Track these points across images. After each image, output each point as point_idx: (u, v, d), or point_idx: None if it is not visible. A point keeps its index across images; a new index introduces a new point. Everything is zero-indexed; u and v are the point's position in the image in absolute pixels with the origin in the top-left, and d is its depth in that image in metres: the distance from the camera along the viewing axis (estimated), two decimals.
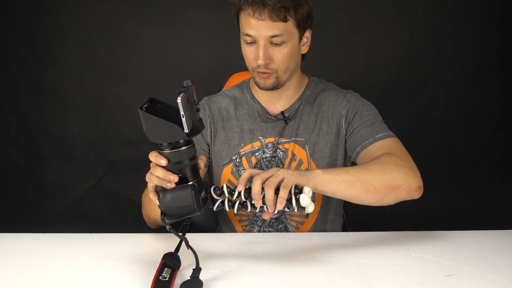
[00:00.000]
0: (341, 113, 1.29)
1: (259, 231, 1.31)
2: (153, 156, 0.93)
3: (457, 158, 2.60)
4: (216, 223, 1.44)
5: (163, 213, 0.93)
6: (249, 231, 1.32)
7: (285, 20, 1.14)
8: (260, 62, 1.17)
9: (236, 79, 1.49)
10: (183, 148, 0.90)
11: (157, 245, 1.13)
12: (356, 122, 1.26)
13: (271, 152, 1.29)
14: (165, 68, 2.56)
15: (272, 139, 1.29)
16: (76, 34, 2.58)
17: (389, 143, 1.20)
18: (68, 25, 2.58)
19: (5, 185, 2.71)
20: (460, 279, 0.93)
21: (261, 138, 1.30)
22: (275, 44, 1.17)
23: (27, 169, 2.71)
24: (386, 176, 1.07)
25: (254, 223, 1.31)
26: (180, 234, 0.97)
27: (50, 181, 2.70)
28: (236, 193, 0.95)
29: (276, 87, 1.23)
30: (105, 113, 2.64)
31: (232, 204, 0.95)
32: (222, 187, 0.96)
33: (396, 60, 2.54)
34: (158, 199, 0.93)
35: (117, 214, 2.63)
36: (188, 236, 0.98)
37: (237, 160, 1.30)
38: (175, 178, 0.91)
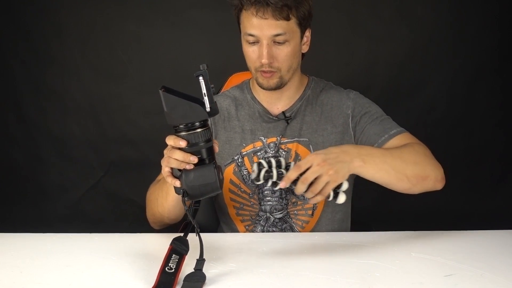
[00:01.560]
0: (347, 113, 1.29)
1: (262, 231, 1.31)
2: (171, 139, 0.94)
3: (457, 158, 2.59)
4: (217, 223, 1.44)
5: (185, 194, 0.95)
6: (252, 231, 1.32)
7: (287, 18, 1.16)
8: (264, 61, 1.17)
9: (236, 79, 1.49)
10: (200, 129, 0.92)
11: (158, 245, 1.13)
12: (365, 121, 1.28)
13: (274, 152, 1.29)
14: (165, 68, 2.56)
15: (274, 139, 1.30)
16: (76, 34, 2.58)
17: (408, 136, 1.24)
18: (68, 25, 2.58)
19: (5, 185, 2.71)
20: (460, 279, 0.93)
21: (263, 138, 1.30)
22: (278, 43, 1.18)
23: (27, 169, 2.71)
24: (418, 167, 1.13)
25: (257, 223, 1.31)
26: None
27: (50, 181, 2.70)
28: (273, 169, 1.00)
29: (279, 86, 1.24)
30: (105, 113, 2.64)
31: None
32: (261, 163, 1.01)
33: (396, 60, 2.54)
34: (180, 180, 0.95)
35: (117, 214, 2.63)
36: (189, 236, 0.98)
37: (239, 160, 1.30)
38: (194, 159, 0.93)
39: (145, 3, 2.54)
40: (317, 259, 1.04)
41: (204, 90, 0.90)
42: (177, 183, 0.96)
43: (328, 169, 0.98)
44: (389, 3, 2.51)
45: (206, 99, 0.90)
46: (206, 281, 0.92)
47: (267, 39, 1.17)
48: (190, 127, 0.92)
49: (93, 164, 2.67)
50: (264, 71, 1.21)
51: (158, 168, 1.02)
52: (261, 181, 1.00)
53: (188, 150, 0.93)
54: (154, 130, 2.50)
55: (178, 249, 0.98)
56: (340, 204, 1.33)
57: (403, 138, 1.23)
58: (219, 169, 0.97)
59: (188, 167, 0.93)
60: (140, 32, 2.56)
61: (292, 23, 1.18)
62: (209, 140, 0.94)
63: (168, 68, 2.55)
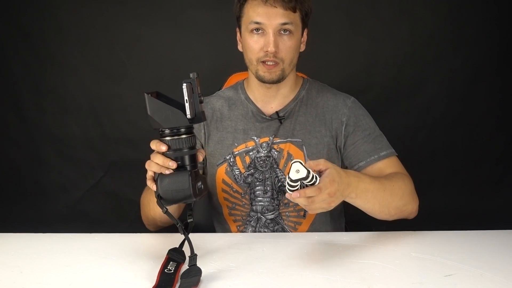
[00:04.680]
0: (342, 120, 1.29)
1: (253, 232, 1.31)
2: (154, 144, 0.96)
3: (457, 158, 2.59)
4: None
5: (159, 197, 0.95)
6: (243, 231, 1.32)
7: (294, 10, 1.19)
8: (271, 49, 1.19)
9: (236, 79, 1.50)
10: (184, 136, 0.94)
11: (158, 245, 1.13)
12: (357, 135, 1.28)
13: (266, 151, 1.29)
14: (165, 68, 2.56)
15: (266, 139, 1.30)
16: (76, 34, 2.58)
17: (395, 163, 1.27)
18: (68, 25, 2.57)
19: (5, 185, 2.70)
20: (460, 279, 0.93)
21: (255, 138, 1.30)
22: (283, 33, 1.20)
23: (27, 169, 2.71)
24: (401, 202, 1.17)
25: (248, 223, 1.31)
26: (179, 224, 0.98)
27: (50, 181, 2.70)
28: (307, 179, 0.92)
29: (280, 80, 1.25)
30: (105, 113, 2.64)
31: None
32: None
33: (396, 60, 2.54)
34: (156, 184, 0.96)
35: (117, 214, 2.63)
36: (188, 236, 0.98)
37: (231, 160, 1.30)
38: (173, 164, 0.94)
39: (145, 3, 2.53)
40: (317, 259, 1.04)
41: (186, 97, 0.92)
42: (155, 187, 0.97)
43: (331, 202, 0.98)
44: (389, 3, 2.50)
45: (187, 105, 0.92)
46: (206, 281, 0.92)
47: (273, 28, 1.18)
48: (175, 133, 0.94)
49: (93, 164, 2.67)
50: (267, 63, 1.21)
51: None
52: (296, 185, 0.92)
53: (170, 155, 0.95)
54: (154, 130, 2.49)
55: (175, 258, 1.00)
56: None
57: (390, 163, 1.26)
58: (199, 178, 0.97)
59: (167, 172, 0.94)
60: (140, 32, 2.56)
61: (297, 16, 1.21)
62: (192, 148, 0.95)
63: (168, 68, 2.55)
